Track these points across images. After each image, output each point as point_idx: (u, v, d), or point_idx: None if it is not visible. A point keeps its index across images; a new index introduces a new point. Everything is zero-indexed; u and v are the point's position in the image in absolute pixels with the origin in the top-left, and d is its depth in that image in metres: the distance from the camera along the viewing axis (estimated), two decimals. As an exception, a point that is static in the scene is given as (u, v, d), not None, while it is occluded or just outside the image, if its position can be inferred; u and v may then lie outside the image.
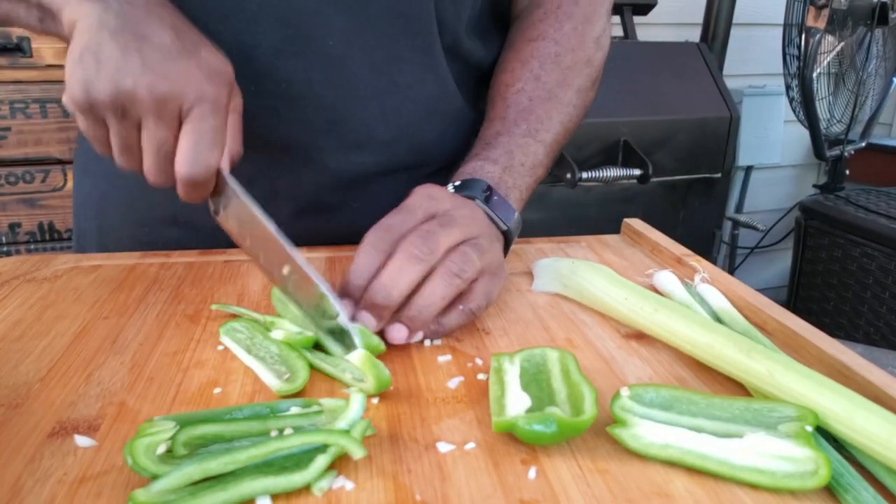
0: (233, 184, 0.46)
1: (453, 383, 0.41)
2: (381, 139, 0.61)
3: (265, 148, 0.59)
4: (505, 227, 0.53)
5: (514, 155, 0.56)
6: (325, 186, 0.62)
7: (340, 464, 0.34)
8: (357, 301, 0.44)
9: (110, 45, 0.42)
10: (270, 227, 0.44)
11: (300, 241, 0.62)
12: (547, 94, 0.61)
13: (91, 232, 0.70)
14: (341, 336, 0.42)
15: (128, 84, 0.42)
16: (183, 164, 0.44)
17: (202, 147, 0.44)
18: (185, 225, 0.64)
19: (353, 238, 0.51)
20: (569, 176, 1.43)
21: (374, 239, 0.45)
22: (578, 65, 0.63)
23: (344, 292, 0.44)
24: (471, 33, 0.64)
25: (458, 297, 0.46)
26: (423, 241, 0.44)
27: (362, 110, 0.59)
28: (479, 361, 0.44)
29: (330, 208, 0.62)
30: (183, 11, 0.52)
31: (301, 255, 0.43)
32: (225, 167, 0.46)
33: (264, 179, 0.61)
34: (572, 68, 0.62)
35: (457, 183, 0.54)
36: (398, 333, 0.44)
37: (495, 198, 0.53)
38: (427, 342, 0.46)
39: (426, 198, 0.49)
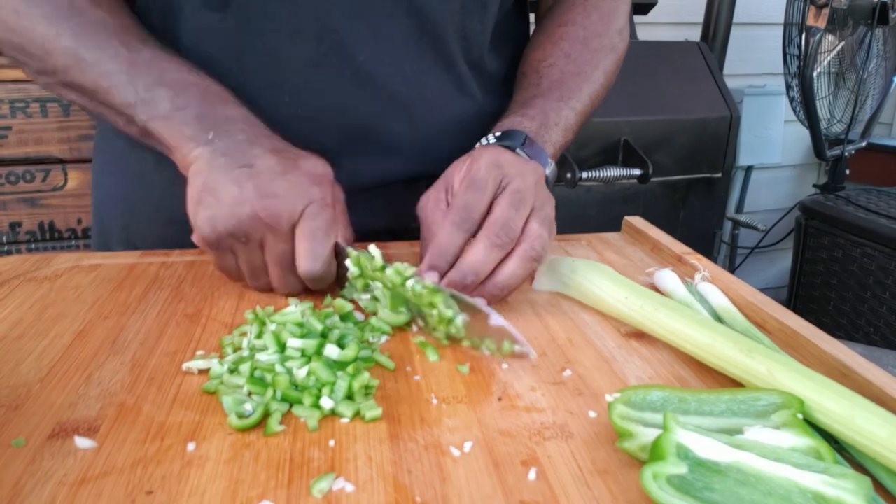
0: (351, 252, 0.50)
1: (454, 383, 0.41)
2: (410, 148, 0.64)
3: None
4: (547, 171, 0.57)
5: (549, 115, 0.60)
6: (352, 190, 0.63)
7: (340, 466, 0.34)
8: (442, 275, 0.48)
9: (225, 182, 0.48)
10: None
11: None
12: (577, 69, 0.65)
13: (116, 230, 0.70)
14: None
15: (246, 210, 0.47)
16: (303, 263, 0.48)
17: (317, 243, 0.48)
18: None
19: (367, 234, 0.54)
20: (569, 175, 1.43)
21: (456, 219, 0.49)
22: (604, 49, 0.67)
23: (430, 266, 0.48)
24: (492, 47, 0.67)
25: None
26: (505, 231, 0.48)
27: (392, 121, 0.62)
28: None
29: (351, 205, 0.63)
30: (222, 28, 0.57)
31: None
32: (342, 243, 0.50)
33: None
34: (599, 51, 0.67)
35: (497, 133, 0.57)
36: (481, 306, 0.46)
37: (534, 146, 0.57)
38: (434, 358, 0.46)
39: (493, 167, 0.51)
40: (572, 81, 0.64)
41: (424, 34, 0.60)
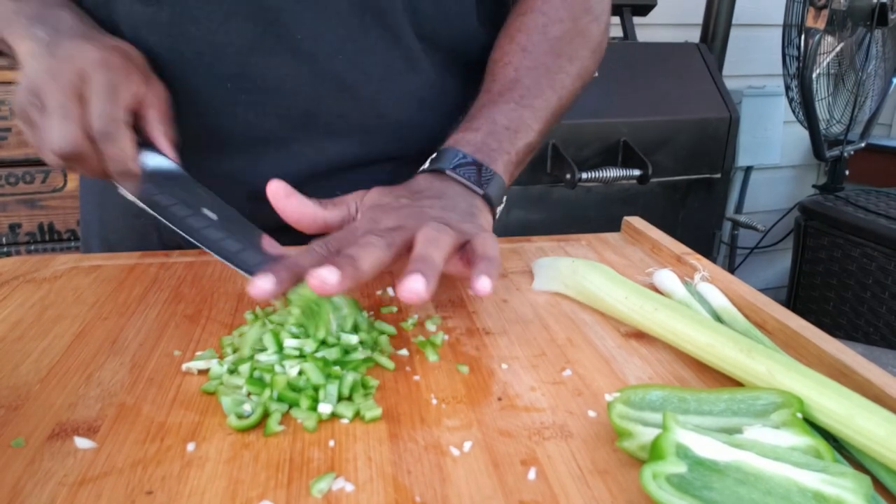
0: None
1: (453, 383, 0.41)
2: (359, 128, 0.62)
3: (245, 143, 0.60)
4: (481, 192, 0.52)
5: (497, 120, 0.56)
6: (306, 177, 0.62)
7: (340, 466, 0.34)
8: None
9: (30, 61, 0.50)
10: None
11: (279, 229, 0.60)
12: (534, 63, 0.60)
13: (93, 223, 0.71)
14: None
15: (37, 73, 0.49)
16: (90, 120, 0.48)
17: (100, 100, 0.48)
18: None
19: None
20: (569, 176, 1.43)
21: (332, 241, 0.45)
22: (568, 34, 0.62)
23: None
24: (468, 23, 0.64)
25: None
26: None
27: (337, 101, 0.60)
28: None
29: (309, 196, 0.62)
30: (157, 21, 0.56)
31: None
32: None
33: (245, 175, 0.61)
34: (561, 38, 0.62)
35: (433, 156, 0.54)
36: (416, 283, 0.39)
37: (472, 165, 0.53)
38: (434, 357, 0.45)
39: (406, 195, 0.49)
40: (528, 79, 0.59)
41: (368, 9, 0.58)
